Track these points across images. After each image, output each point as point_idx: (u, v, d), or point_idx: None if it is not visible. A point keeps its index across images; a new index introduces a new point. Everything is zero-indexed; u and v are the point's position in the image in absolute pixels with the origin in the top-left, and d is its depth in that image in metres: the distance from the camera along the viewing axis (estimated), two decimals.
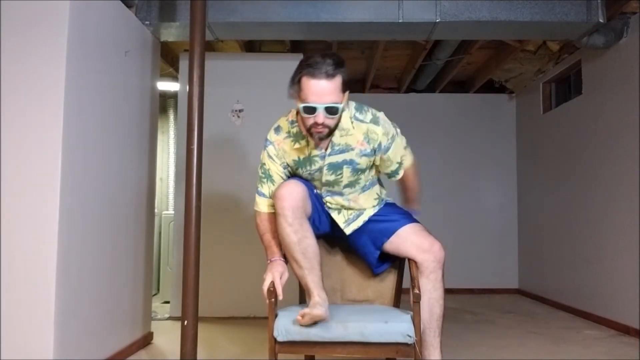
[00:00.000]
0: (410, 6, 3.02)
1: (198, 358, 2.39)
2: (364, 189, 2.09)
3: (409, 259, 2.05)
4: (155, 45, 3.24)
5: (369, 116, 1.97)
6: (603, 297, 3.72)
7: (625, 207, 3.45)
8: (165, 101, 5.20)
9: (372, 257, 2.13)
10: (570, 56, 4.21)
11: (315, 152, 1.99)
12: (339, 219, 2.12)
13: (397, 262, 2.20)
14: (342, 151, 1.98)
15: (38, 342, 2.09)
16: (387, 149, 2.01)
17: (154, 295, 4.51)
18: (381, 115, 2.01)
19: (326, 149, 1.97)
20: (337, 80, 1.79)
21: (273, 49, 4.35)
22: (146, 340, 3.12)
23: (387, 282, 2.21)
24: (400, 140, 2.07)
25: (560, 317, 4.05)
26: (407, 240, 2.03)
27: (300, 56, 4.11)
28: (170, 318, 3.86)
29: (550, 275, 4.62)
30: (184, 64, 4.01)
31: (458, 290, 5.14)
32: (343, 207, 2.12)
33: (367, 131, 1.96)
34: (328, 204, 2.13)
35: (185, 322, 2.35)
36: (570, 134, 4.24)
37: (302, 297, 2.28)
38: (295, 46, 4.32)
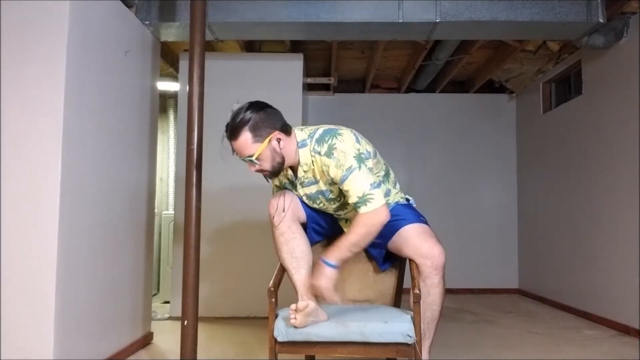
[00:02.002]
0: (410, 6, 3.02)
1: (198, 358, 2.38)
2: None
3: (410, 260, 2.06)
4: (155, 45, 3.24)
5: (324, 148, 1.92)
6: (603, 297, 3.72)
7: (625, 207, 3.44)
8: (165, 101, 5.19)
9: (378, 255, 2.16)
10: (570, 56, 4.21)
11: (291, 178, 2.07)
12: (346, 227, 2.16)
13: (398, 262, 2.20)
14: (311, 183, 2.03)
15: (38, 342, 2.09)
16: (342, 180, 1.90)
17: (154, 295, 4.51)
18: (341, 145, 1.90)
19: (296, 178, 2.05)
20: (243, 136, 1.88)
21: (273, 49, 4.34)
22: (146, 340, 3.12)
23: (388, 282, 2.21)
24: (363, 175, 1.88)
25: (560, 317, 4.05)
26: (408, 241, 2.03)
27: (301, 56, 4.14)
28: (170, 318, 3.86)
29: (550, 275, 4.62)
30: (184, 64, 4.01)
31: (458, 290, 5.14)
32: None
33: (322, 164, 1.94)
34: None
35: (185, 322, 2.35)
36: (570, 134, 4.24)
37: None
38: (295, 46, 4.32)
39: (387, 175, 2.16)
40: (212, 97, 3.03)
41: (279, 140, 1.92)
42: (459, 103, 5.52)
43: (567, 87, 4.58)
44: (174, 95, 5.06)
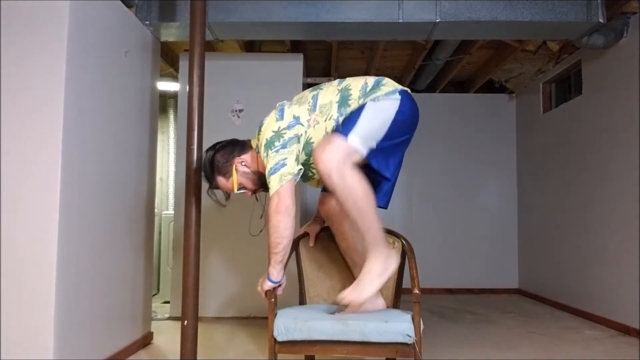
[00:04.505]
0: (410, 6, 3.02)
1: (198, 358, 2.39)
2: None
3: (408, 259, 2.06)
4: (155, 45, 3.24)
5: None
6: (603, 297, 3.73)
7: (625, 207, 3.45)
8: (165, 101, 5.20)
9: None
10: (570, 56, 4.21)
11: None
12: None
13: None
14: None
15: (38, 342, 2.09)
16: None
17: (154, 295, 4.50)
18: (262, 134, 1.98)
19: None
20: (219, 181, 2.13)
21: (273, 49, 4.35)
22: (146, 340, 3.12)
23: (387, 283, 2.21)
24: (268, 163, 1.92)
25: (560, 317, 4.05)
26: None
27: (300, 56, 4.14)
28: (170, 318, 3.85)
29: (550, 275, 4.62)
30: (184, 64, 4.01)
31: (458, 290, 5.14)
32: None
33: None
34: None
35: (185, 322, 2.35)
36: (571, 134, 4.24)
37: (302, 297, 2.28)
38: (295, 46, 4.32)
39: (343, 104, 1.97)
40: (212, 97, 3.03)
41: (242, 163, 2.11)
42: (459, 103, 5.52)
43: (567, 87, 4.58)
44: (174, 95, 5.06)
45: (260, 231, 2.26)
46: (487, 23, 3.04)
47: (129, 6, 2.87)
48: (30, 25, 2.17)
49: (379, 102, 1.92)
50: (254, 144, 2.13)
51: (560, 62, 4.38)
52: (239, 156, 2.11)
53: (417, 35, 3.38)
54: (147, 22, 3.05)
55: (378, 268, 1.87)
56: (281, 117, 1.99)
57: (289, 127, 1.96)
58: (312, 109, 2.01)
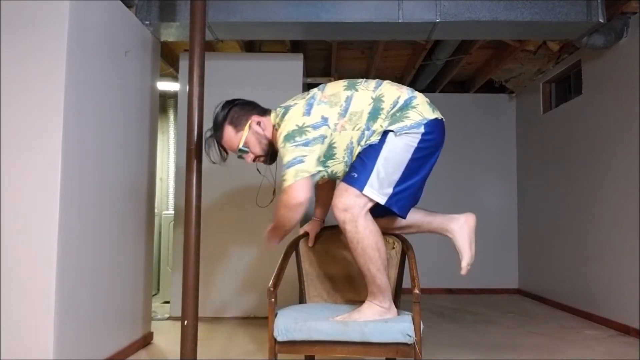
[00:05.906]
0: (410, 6, 3.02)
1: (198, 358, 2.39)
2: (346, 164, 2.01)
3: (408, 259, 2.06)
4: (155, 45, 3.24)
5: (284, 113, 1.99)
6: (603, 297, 3.73)
7: (625, 207, 3.45)
8: (165, 101, 5.20)
9: None
10: (570, 56, 4.21)
11: None
12: None
13: (398, 262, 2.20)
14: None
15: (38, 342, 2.09)
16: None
17: (154, 295, 4.51)
18: (283, 123, 1.92)
19: None
20: (226, 132, 2.05)
21: (273, 49, 4.35)
22: (146, 340, 3.12)
23: None
24: (284, 154, 1.89)
25: (560, 317, 4.05)
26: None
27: (300, 56, 4.14)
28: (170, 318, 3.86)
29: (550, 275, 4.62)
30: (184, 64, 4.01)
31: (458, 290, 5.14)
32: None
33: None
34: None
35: (185, 322, 2.35)
36: (571, 134, 4.24)
37: (302, 297, 2.28)
38: (295, 46, 4.32)
39: (373, 117, 1.95)
40: (212, 97, 3.03)
41: (259, 123, 2.04)
42: (459, 103, 5.52)
43: (567, 87, 4.58)
44: (174, 95, 5.06)
45: (271, 201, 2.22)
46: (487, 23, 3.04)
47: (129, 6, 2.87)
48: (30, 25, 2.17)
49: (400, 137, 1.93)
50: (272, 117, 2.05)
51: (560, 62, 4.38)
52: (258, 115, 2.05)
53: (417, 35, 3.38)
54: (147, 22, 3.05)
55: (369, 316, 1.92)
56: (308, 113, 1.92)
57: (314, 127, 1.90)
58: (343, 114, 1.95)
